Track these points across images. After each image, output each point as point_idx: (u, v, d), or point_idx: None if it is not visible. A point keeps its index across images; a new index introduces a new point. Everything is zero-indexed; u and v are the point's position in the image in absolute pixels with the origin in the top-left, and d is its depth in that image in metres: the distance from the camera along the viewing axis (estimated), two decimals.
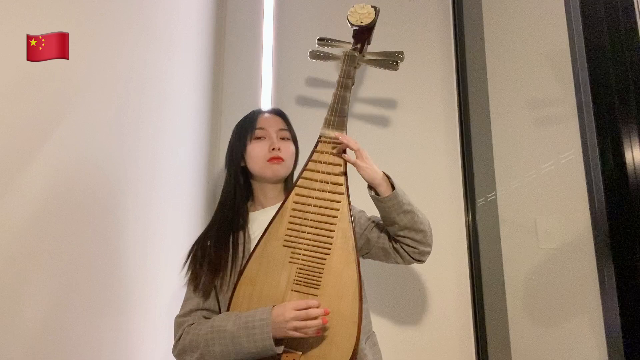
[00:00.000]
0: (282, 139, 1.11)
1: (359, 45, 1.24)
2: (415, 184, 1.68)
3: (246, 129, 1.10)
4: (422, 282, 1.66)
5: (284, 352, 0.92)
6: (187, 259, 1.07)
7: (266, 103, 1.80)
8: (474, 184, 1.70)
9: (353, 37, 1.28)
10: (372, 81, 1.80)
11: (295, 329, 0.88)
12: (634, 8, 1.11)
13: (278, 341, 0.90)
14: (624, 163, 1.07)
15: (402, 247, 1.04)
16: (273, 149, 1.07)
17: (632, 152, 1.07)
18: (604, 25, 1.15)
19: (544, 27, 1.42)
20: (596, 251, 1.14)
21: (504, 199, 1.56)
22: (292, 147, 1.13)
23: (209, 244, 1.06)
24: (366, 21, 1.25)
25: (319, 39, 1.38)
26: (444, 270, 1.66)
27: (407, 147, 1.75)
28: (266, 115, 1.13)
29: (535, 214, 1.39)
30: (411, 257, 1.05)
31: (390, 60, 1.27)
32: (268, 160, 1.07)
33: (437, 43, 1.83)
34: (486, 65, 1.69)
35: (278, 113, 1.16)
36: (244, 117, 1.17)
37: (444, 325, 1.63)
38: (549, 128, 1.38)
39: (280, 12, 1.88)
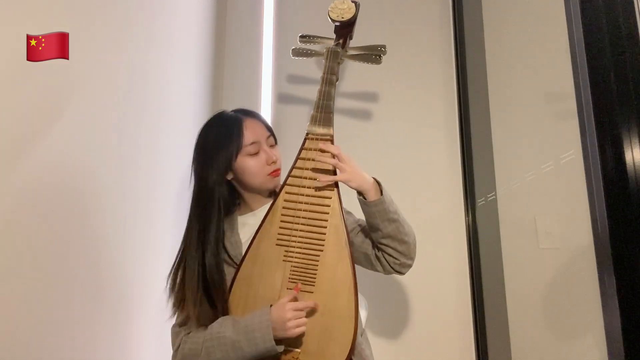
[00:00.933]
0: (271, 146, 1.08)
1: (341, 41, 1.24)
2: (415, 184, 1.68)
3: (232, 141, 1.01)
4: (422, 282, 1.65)
5: (283, 350, 0.93)
6: (169, 281, 1.01)
7: (266, 102, 1.80)
8: (474, 184, 1.70)
9: (335, 32, 1.27)
10: (373, 80, 1.80)
11: (296, 326, 0.90)
12: (634, 8, 1.11)
13: (278, 341, 0.91)
14: (624, 163, 1.07)
15: (383, 255, 1.03)
16: (273, 162, 1.05)
17: (632, 152, 1.07)
18: (604, 25, 1.14)
19: (544, 27, 1.42)
20: (596, 251, 1.14)
21: (504, 199, 1.57)
22: (279, 151, 1.10)
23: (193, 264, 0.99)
24: (347, 16, 1.25)
25: (301, 36, 1.36)
26: (444, 270, 1.66)
27: (407, 147, 1.75)
28: (251, 123, 1.05)
29: (535, 214, 1.39)
30: (391, 268, 1.04)
31: (373, 55, 1.26)
32: (269, 174, 1.05)
33: (437, 43, 1.83)
34: (486, 64, 1.69)
35: (258, 117, 1.10)
36: (219, 124, 1.07)
37: (444, 325, 1.62)
38: (549, 128, 1.38)
39: (280, 12, 1.88)
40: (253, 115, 1.09)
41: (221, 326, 0.94)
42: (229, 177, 1.04)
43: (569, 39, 1.25)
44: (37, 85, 0.81)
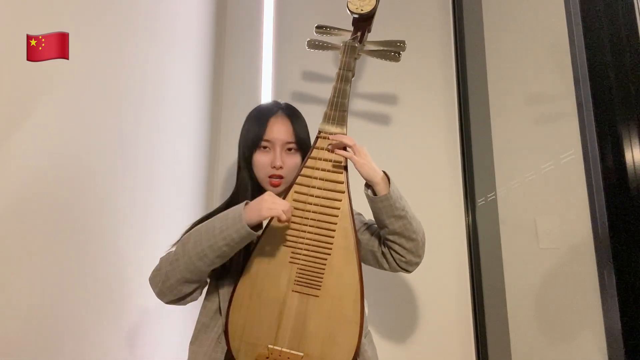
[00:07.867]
0: (289, 149, 1.05)
1: (358, 34, 1.19)
2: (415, 184, 1.68)
3: (255, 133, 1.04)
4: (422, 283, 1.66)
5: (286, 353, 0.92)
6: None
7: (266, 100, 1.80)
8: (474, 184, 1.70)
9: (353, 25, 1.23)
10: (372, 80, 1.80)
11: (270, 208, 0.88)
12: (633, 7, 1.11)
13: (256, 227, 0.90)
14: (624, 163, 1.07)
15: (390, 252, 1.02)
16: (274, 167, 1.03)
17: (632, 152, 1.07)
18: (604, 24, 1.15)
19: (544, 27, 1.42)
20: (596, 251, 1.14)
21: (504, 199, 1.56)
22: (297, 159, 1.06)
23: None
24: (367, 9, 1.20)
25: (317, 27, 1.31)
26: (444, 270, 1.66)
27: (407, 146, 1.75)
28: (278, 122, 1.05)
29: (535, 214, 1.38)
30: (397, 265, 1.02)
31: (391, 51, 1.21)
32: (268, 177, 1.04)
33: (437, 43, 1.83)
34: (486, 64, 1.69)
35: (291, 118, 1.08)
36: (257, 112, 1.10)
37: (444, 324, 1.62)
38: (549, 128, 1.38)
39: (280, 9, 1.88)
40: (288, 114, 1.08)
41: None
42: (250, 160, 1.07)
43: (569, 38, 1.25)
44: (37, 84, 0.81)
